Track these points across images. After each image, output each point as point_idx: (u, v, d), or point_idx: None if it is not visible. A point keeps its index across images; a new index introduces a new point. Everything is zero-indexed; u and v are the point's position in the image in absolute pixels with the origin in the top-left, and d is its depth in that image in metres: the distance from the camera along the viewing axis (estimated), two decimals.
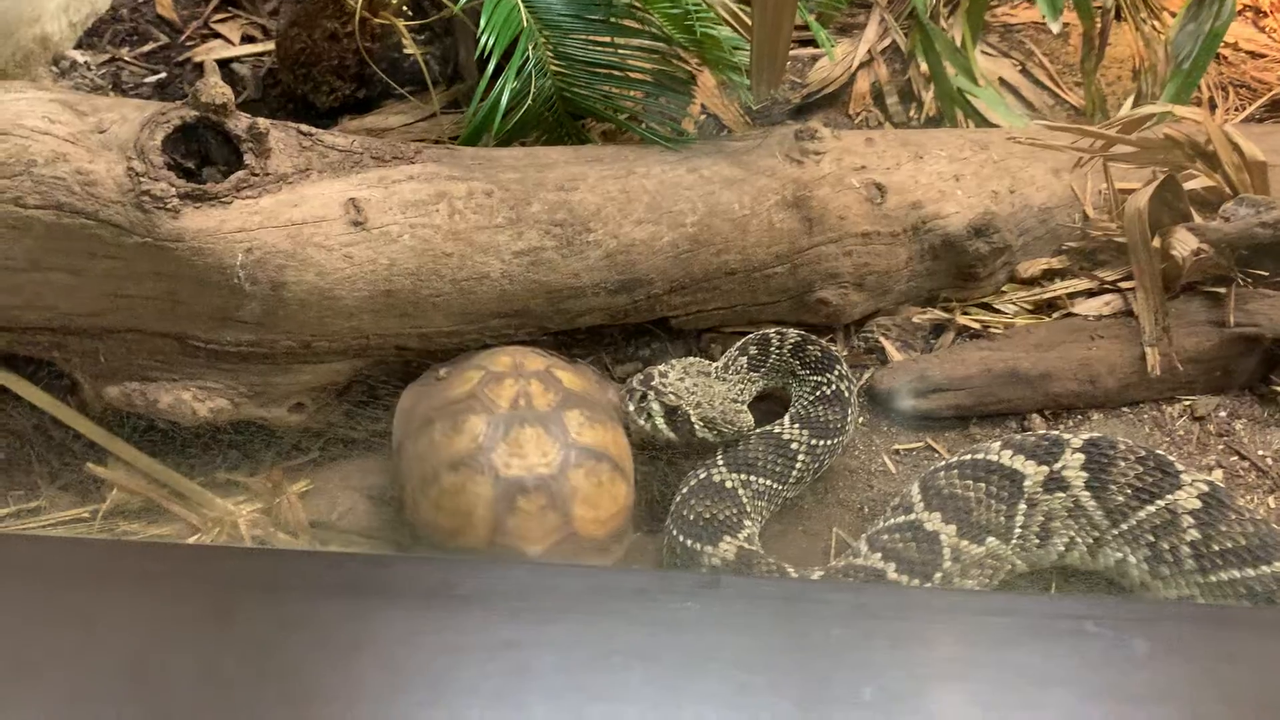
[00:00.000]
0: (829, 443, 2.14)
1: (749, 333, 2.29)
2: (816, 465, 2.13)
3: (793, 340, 2.24)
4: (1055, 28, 2.50)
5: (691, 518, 1.96)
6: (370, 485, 2.04)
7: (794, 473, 2.09)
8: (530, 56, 2.33)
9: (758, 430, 2.14)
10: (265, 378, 1.97)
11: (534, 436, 1.87)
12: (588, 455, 1.88)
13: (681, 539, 1.94)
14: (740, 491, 2.02)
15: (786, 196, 2.29)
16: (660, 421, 2.03)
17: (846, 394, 2.18)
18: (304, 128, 2.02)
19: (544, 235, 2.10)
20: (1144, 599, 1.97)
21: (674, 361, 2.12)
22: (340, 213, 1.94)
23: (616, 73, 2.40)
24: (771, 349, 2.24)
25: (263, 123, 1.92)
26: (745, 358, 2.22)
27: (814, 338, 2.26)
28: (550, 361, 2.04)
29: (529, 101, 2.34)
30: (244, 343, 1.93)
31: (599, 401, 2.00)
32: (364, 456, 2.09)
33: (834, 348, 2.31)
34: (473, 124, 2.30)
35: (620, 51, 2.40)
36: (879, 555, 1.92)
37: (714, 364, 2.19)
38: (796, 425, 2.14)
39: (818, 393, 2.19)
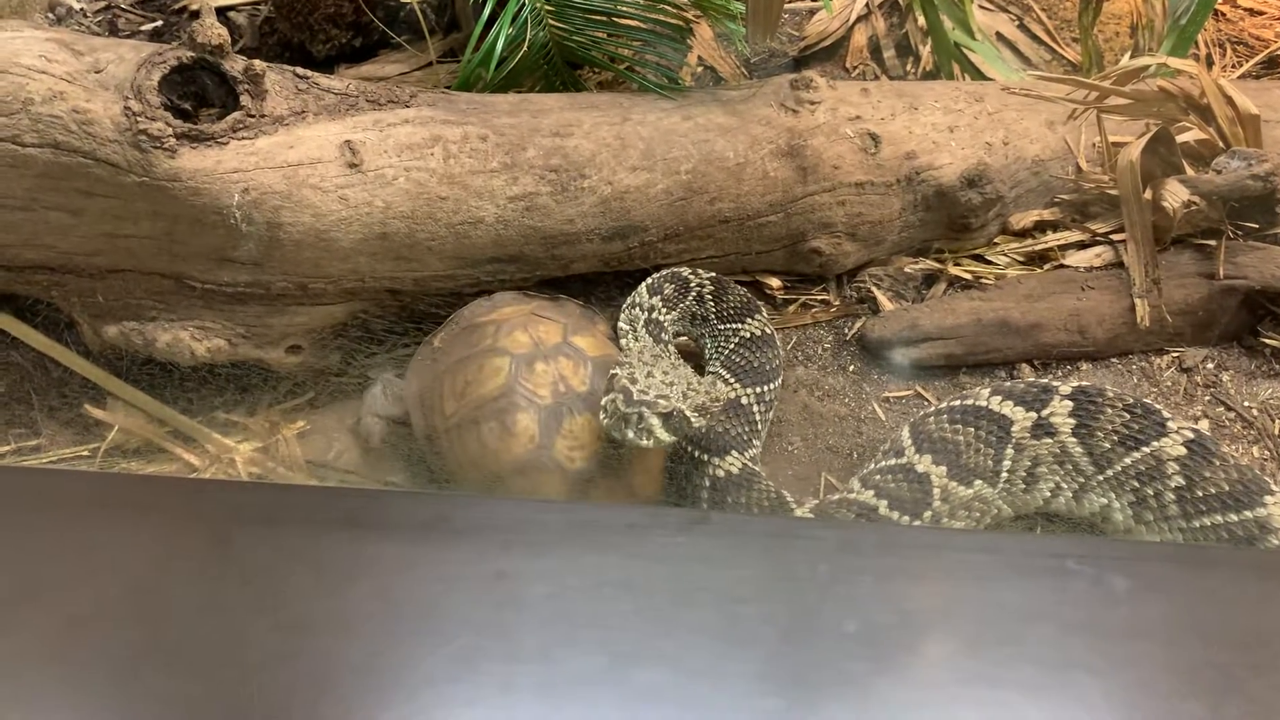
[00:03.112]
0: (772, 387, 2.15)
1: (748, 285, 2.31)
2: (769, 415, 2.15)
3: (710, 281, 2.21)
4: None
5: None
6: None
7: (757, 430, 2.11)
8: (526, 4, 2.32)
9: None
10: (262, 319, 1.99)
11: (585, 423, 1.87)
12: None
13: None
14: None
15: (781, 145, 2.30)
16: (662, 433, 1.82)
17: (774, 336, 2.20)
18: (300, 70, 2.02)
19: (539, 181, 2.11)
20: (1126, 539, 2.01)
21: (629, 360, 1.90)
22: (336, 155, 1.95)
23: (613, 21, 2.40)
24: (691, 289, 2.21)
25: (259, 64, 1.92)
26: (659, 298, 2.17)
27: (731, 282, 2.26)
28: (559, 323, 2.01)
29: (524, 49, 2.34)
30: (241, 283, 1.95)
31: (611, 354, 2.01)
32: (360, 399, 2.11)
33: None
34: (467, 70, 2.31)
35: (617, 0, 2.39)
36: (871, 492, 1.95)
37: (639, 331, 2.13)
38: (735, 379, 2.13)
39: (739, 337, 2.18)
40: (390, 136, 2.01)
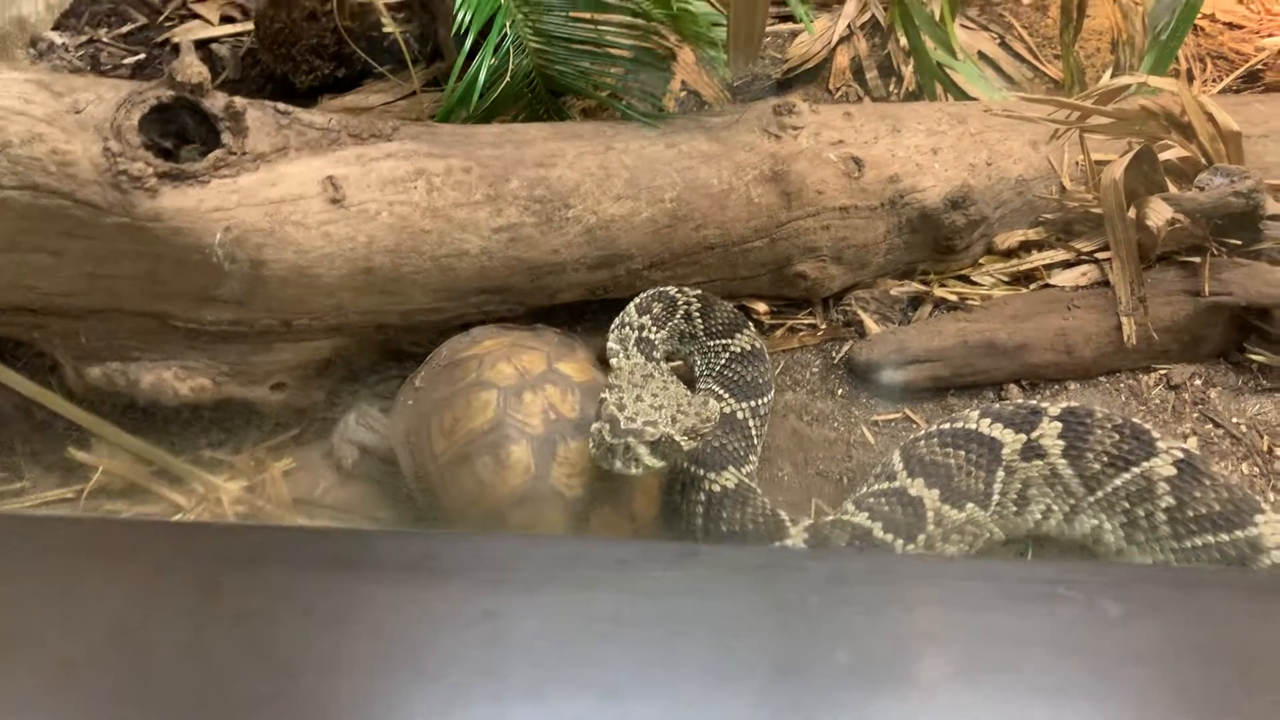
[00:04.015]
0: (766, 400, 2.15)
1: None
2: (763, 429, 2.15)
3: (697, 298, 2.21)
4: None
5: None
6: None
7: (753, 444, 2.11)
8: (508, 33, 2.33)
9: None
10: (246, 357, 1.98)
11: (580, 449, 1.85)
12: None
13: None
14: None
15: (765, 171, 2.30)
16: (651, 461, 1.79)
17: (764, 351, 2.20)
18: (281, 106, 2.02)
19: (523, 211, 2.10)
20: (1116, 564, 2.00)
21: (618, 383, 1.87)
22: (318, 191, 1.94)
23: (595, 49, 2.40)
24: (679, 307, 2.21)
25: (239, 101, 1.92)
26: (648, 316, 2.16)
27: (718, 299, 2.26)
28: (542, 351, 2.00)
29: (507, 79, 2.34)
30: (224, 322, 1.94)
31: (597, 378, 2.00)
32: None
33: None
34: (450, 102, 2.31)
35: (599, 28, 2.40)
36: (865, 515, 1.94)
37: (630, 350, 2.11)
38: (728, 394, 2.13)
39: (729, 353, 2.18)
40: (373, 171, 2.00)
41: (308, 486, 2.01)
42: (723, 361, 2.17)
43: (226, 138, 1.89)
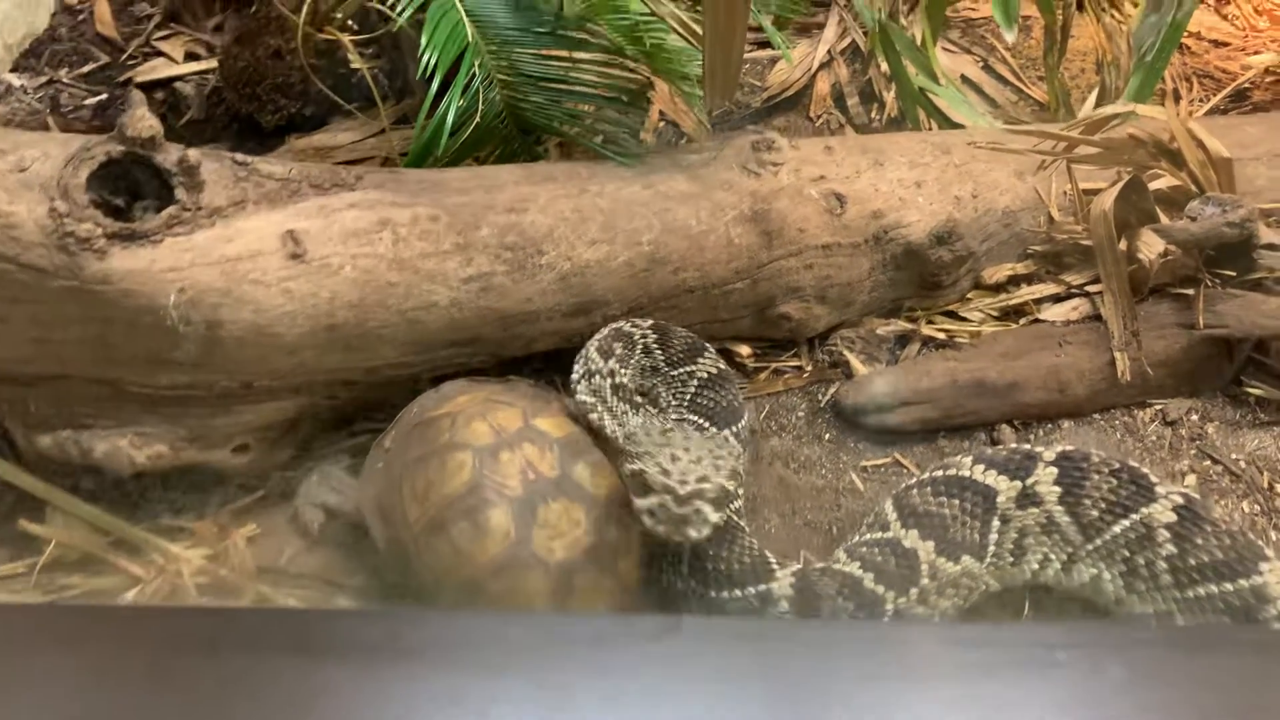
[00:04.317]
0: (744, 424, 2.06)
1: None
2: (745, 455, 2.05)
3: (651, 329, 2.13)
4: (1010, 38, 2.44)
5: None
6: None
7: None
8: (477, 73, 2.25)
9: None
10: (205, 420, 1.90)
11: (562, 510, 1.77)
12: (612, 505, 1.80)
13: None
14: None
15: (744, 210, 2.23)
16: (715, 517, 1.70)
17: (729, 371, 2.13)
18: (239, 157, 1.94)
19: (494, 260, 2.03)
20: (1115, 623, 1.93)
21: (642, 449, 1.75)
22: (278, 246, 1.86)
23: (568, 87, 2.33)
24: (637, 342, 2.12)
25: (194, 154, 1.84)
26: (614, 360, 2.06)
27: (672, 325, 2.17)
28: (517, 406, 1.91)
29: (478, 119, 2.27)
30: (180, 385, 1.85)
31: (575, 433, 1.93)
32: None
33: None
34: (418, 145, 2.23)
35: (571, 65, 2.33)
36: (858, 564, 1.87)
37: (612, 403, 2.02)
38: (709, 423, 2.03)
39: (697, 380, 2.10)
40: (335, 222, 1.92)
41: (273, 553, 1.92)
42: (692, 390, 2.09)
43: (180, 193, 1.81)
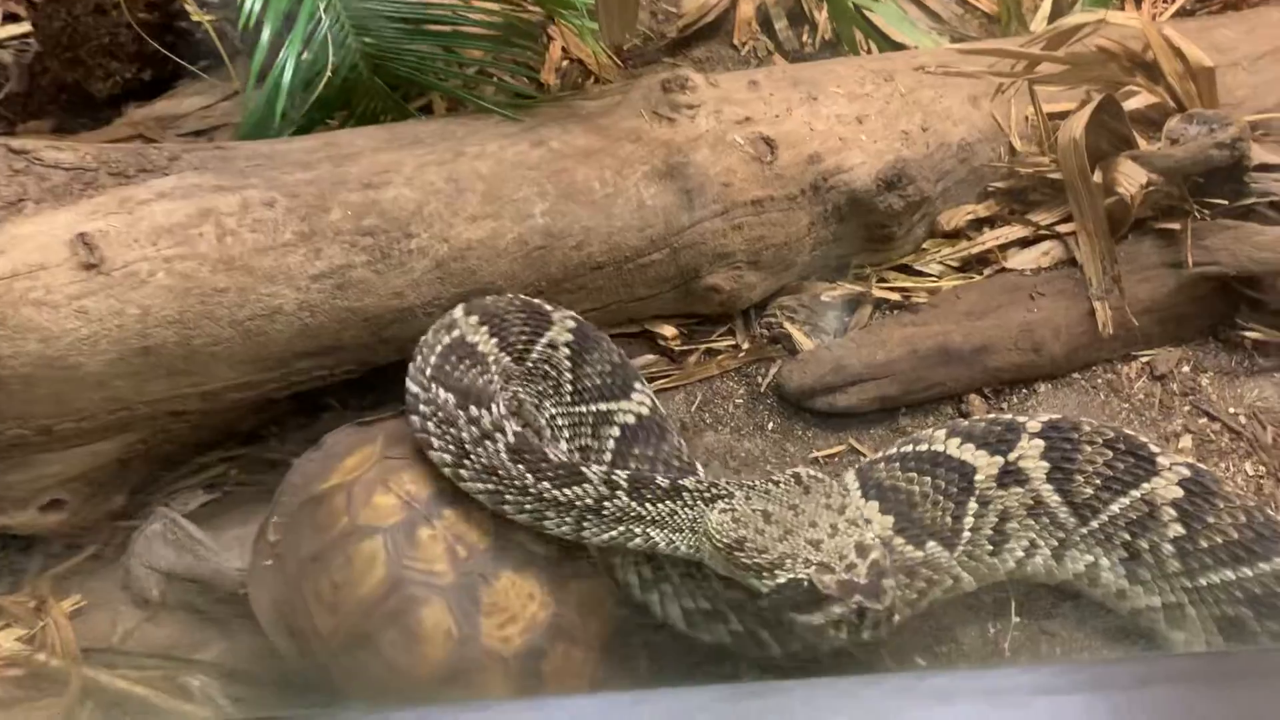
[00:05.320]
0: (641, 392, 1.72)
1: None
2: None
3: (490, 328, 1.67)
4: None
5: None
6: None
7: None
8: (324, 18, 1.87)
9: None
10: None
11: (509, 586, 1.49)
12: (564, 557, 1.55)
13: None
14: None
15: (657, 165, 1.91)
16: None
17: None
18: (15, 143, 1.57)
19: (350, 250, 1.68)
20: (1125, 657, 1.65)
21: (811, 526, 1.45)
22: (66, 254, 1.51)
23: (437, 27, 1.96)
24: (490, 363, 1.65)
25: None
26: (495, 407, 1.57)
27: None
28: (422, 464, 1.58)
29: (329, 74, 1.89)
30: None
31: None
32: None
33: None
34: (252, 114, 1.85)
35: (439, 5, 1.95)
36: None
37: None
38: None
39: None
40: (142, 219, 1.56)
41: (104, 628, 1.59)
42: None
43: None
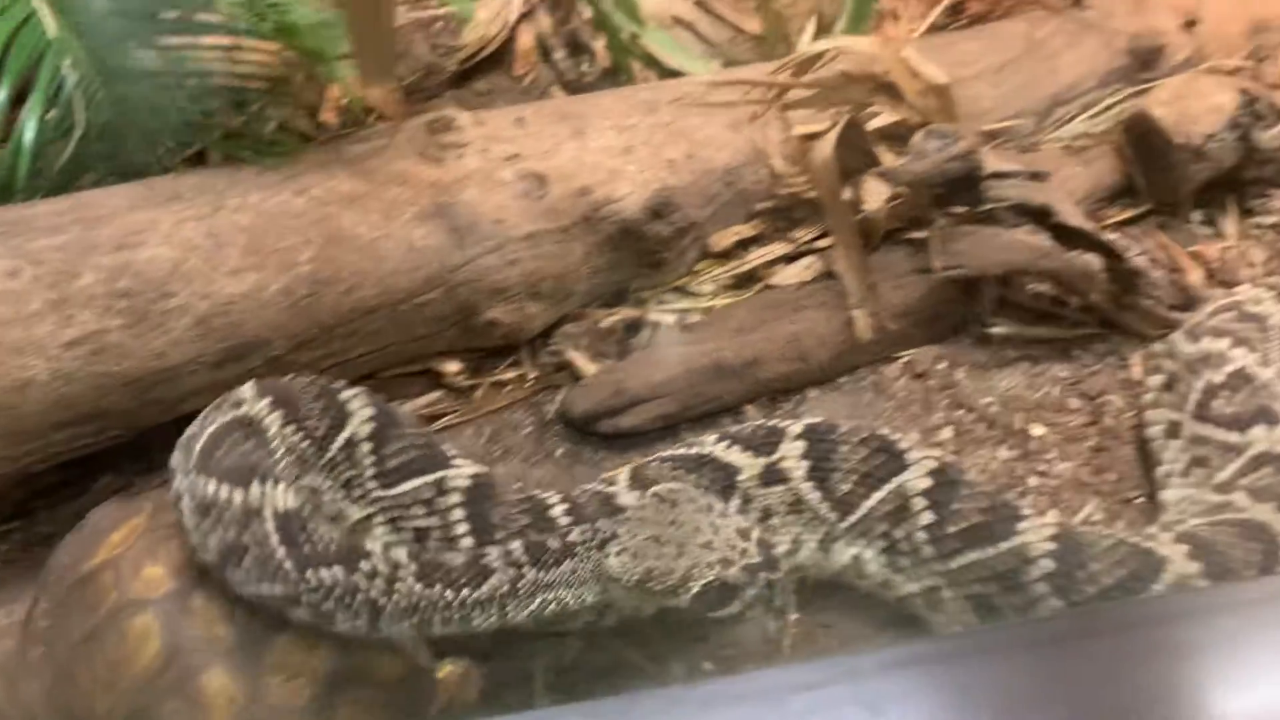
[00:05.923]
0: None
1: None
2: None
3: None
4: None
5: None
6: None
7: None
8: (69, 75, 1.82)
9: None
10: None
11: (292, 642, 1.45)
12: None
13: None
14: None
15: (425, 206, 1.93)
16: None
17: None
18: None
19: (104, 314, 1.65)
20: (882, 648, 1.76)
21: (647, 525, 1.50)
22: None
23: (193, 80, 1.92)
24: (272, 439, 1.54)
25: None
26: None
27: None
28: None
29: (79, 133, 1.84)
30: None
31: None
32: None
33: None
34: None
35: (194, 55, 1.92)
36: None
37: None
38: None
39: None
40: None
41: None
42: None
43: None
